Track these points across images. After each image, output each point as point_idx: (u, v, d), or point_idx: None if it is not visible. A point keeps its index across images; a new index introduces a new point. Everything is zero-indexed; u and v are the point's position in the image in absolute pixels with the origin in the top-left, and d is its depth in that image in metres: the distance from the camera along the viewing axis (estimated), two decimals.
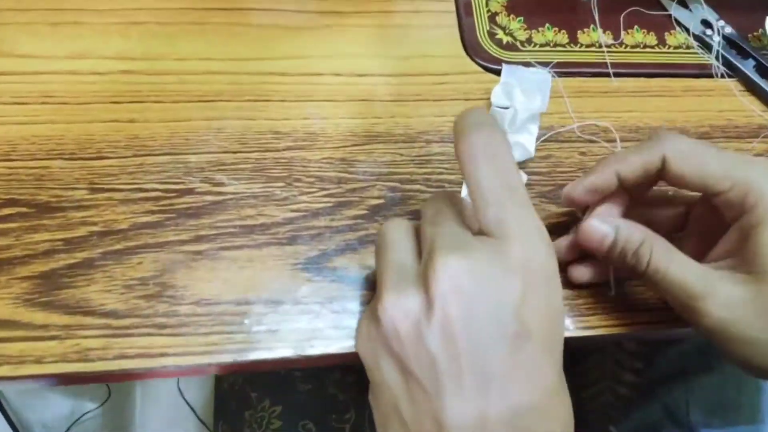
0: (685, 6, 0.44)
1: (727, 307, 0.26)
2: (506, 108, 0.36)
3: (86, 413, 0.94)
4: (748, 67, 0.41)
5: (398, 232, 0.28)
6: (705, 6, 0.43)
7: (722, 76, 0.41)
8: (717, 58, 0.41)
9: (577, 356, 0.67)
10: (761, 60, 0.41)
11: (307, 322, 0.32)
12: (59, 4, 0.39)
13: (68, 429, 0.94)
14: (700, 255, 0.30)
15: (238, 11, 0.40)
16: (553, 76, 0.39)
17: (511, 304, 0.23)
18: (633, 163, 0.29)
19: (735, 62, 0.41)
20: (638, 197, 0.32)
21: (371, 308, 0.26)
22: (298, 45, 0.39)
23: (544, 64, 0.40)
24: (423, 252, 0.26)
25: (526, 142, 0.36)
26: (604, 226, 0.30)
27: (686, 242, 0.32)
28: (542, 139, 0.38)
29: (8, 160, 0.34)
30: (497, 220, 0.24)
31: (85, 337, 0.31)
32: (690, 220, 0.32)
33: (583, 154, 0.38)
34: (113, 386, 0.95)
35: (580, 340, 0.33)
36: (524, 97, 0.35)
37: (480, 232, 0.25)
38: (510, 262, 0.23)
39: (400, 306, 0.24)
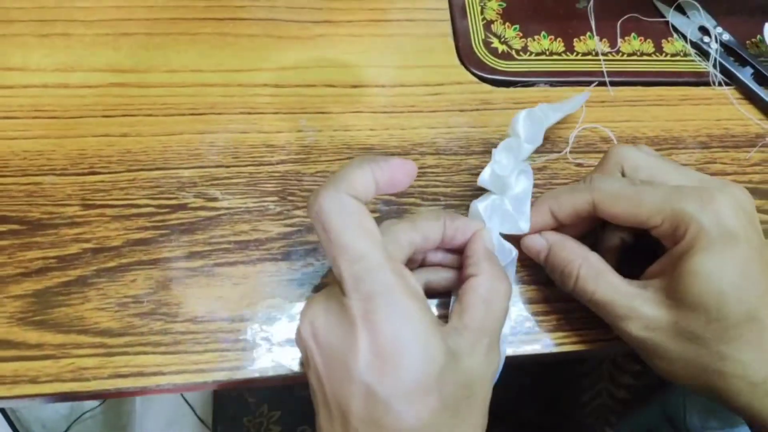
0: (683, 12, 0.43)
1: (648, 329, 0.28)
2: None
3: (86, 412, 0.94)
4: (745, 75, 0.41)
5: None
6: (702, 12, 0.43)
7: (720, 84, 0.41)
8: (714, 65, 0.41)
9: (574, 359, 0.67)
10: (759, 68, 0.41)
11: None
12: (47, 15, 0.38)
13: (68, 428, 0.94)
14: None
15: (229, 21, 0.39)
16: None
17: (357, 357, 0.24)
18: (564, 204, 0.30)
19: (732, 70, 0.41)
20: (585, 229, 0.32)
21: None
22: (290, 55, 0.39)
23: (539, 74, 0.40)
24: None
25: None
26: (540, 241, 0.32)
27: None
28: (541, 160, 0.37)
29: None
30: (338, 277, 0.25)
31: (80, 356, 0.31)
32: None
33: (579, 165, 0.38)
34: None
35: (577, 353, 0.33)
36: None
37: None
38: (349, 316, 0.24)
39: (297, 332, 0.28)
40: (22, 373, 0.30)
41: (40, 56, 0.37)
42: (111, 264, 0.32)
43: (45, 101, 0.36)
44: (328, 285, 0.27)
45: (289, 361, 0.31)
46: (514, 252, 0.31)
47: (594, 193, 0.29)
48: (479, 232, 0.30)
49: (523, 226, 0.31)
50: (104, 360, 0.31)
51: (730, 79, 0.41)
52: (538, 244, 0.31)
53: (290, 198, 0.35)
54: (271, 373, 0.31)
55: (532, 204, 0.32)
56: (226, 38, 0.39)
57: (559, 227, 0.32)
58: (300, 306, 0.32)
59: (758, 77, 0.41)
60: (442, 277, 0.31)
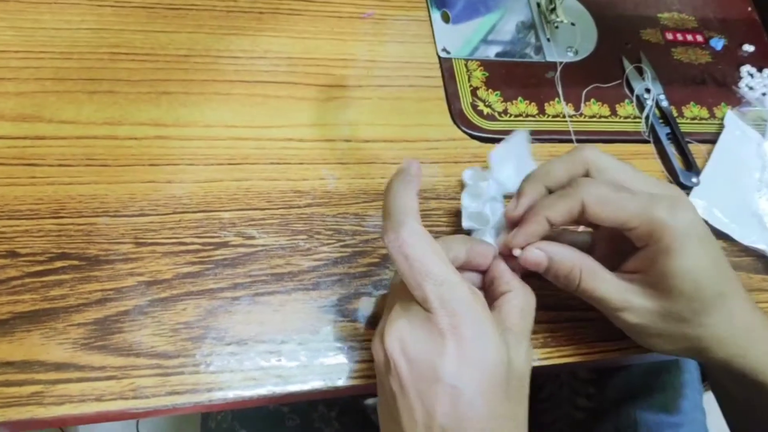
0: (640, 73, 0.53)
1: (641, 316, 0.35)
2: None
3: None
4: (662, 134, 0.50)
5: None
6: (651, 78, 0.52)
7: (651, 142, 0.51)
8: (647, 122, 0.50)
9: (536, 385, 0.73)
10: (675, 129, 0.50)
11: (333, 358, 0.37)
12: (95, 75, 0.43)
13: None
14: (608, 261, 0.36)
15: (257, 83, 0.45)
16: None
17: (446, 362, 0.29)
18: (559, 210, 0.35)
19: (656, 128, 0.50)
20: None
21: (380, 327, 0.33)
22: (312, 114, 0.45)
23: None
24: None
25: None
26: (539, 253, 0.36)
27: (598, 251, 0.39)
28: None
29: (57, 217, 0.38)
30: (422, 299, 0.30)
31: (140, 376, 0.34)
32: (596, 239, 0.39)
33: None
34: None
35: (548, 368, 0.40)
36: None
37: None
38: (437, 329, 0.30)
39: (375, 348, 0.32)
40: (89, 392, 0.34)
41: (90, 111, 0.41)
42: (163, 294, 0.37)
43: (96, 151, 0.40)
44: (403, 306, 0.31)
45: (323, 376, 0.36)
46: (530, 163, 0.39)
47: (584, 197, 0.34)
48: (498, 257, 0.36)
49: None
50: (162, 379, 0.35)
51: (655, 136, 0.51)
52: (538, 256, 0.35)
53: (317, 236, 0.40)
54: (307, 388, 0.36)
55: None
56: (255, 98, 0.44)
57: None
58: (329, 329, 0.38)
59: (673, 137, 0.50)
60: None
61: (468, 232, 0.40)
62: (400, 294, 0.32)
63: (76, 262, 0.37)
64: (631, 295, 0.34)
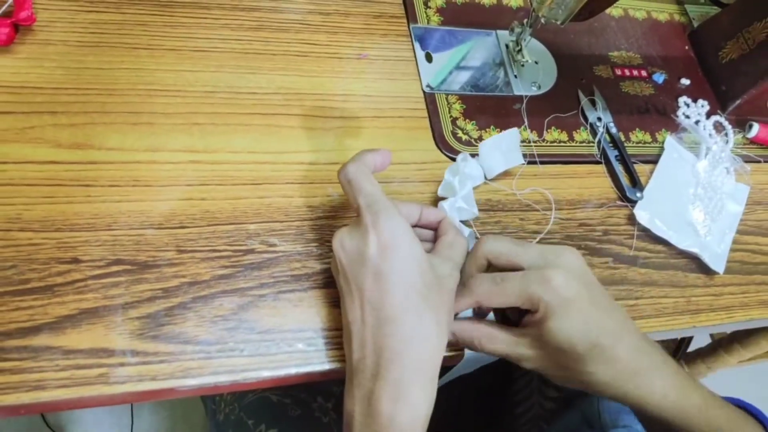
0: (593, 104, 0.62)
1: (535, 363, 0.43)
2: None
3: None
4: (611, 156, 0.60)
5: None
6: (601, 107, 0.62)
7: (603, 163, 0.60)
8: (599, 146, 0.60)
9: (509, 379, 0.82)
10: (623, 152, 0.60)
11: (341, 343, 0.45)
12: (135, 108, 0.50)
13: None
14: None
15: (272, 115, 0.53)
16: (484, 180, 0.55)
17: (370, 248, 0.39)
18: (461, 305, 0.44)
19: (607, 150, 0.60)
20: None
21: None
22: (318, 141, 0.53)
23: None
24: None
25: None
26: (451, 334, 0.44)
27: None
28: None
29: (111, 230, 0.45)
30: (357, 208, 0.42)
31: (186, 359, 0.42)
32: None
33: (522, 219, 0.54)
34: None
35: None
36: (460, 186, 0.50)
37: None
38: (363, 227, 0.40)
39: (332, 262, 0.44)
40: (146, 373, 0.41)
41: (133, 139, 0.49)
42: (203, 293, 0.44)
43: (140, 173, 0.48)
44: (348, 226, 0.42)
45: (338, 359, 0.44)
46: (467, 231, 0.49)
47: (474, 297, 0.43)
48: (445, 218, 0.48)
49: (475, 211, 0.50)
50: (204, 362, 0.42)
51: (606, 158, 0.60)
52: (451, 336, 0.44)
53: (327, 243, 0.48)
54: (324, 368, 0.44)
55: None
56: (270, 128, 0.52)
57: None
58: (336, 320, 0.45)
59: (621, 159, 0.60)
60: None
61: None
62: None
63: (128, 267, 0.44)
64: (523, 348, 0.42)
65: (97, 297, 0.43)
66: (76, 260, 0.43)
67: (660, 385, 0.43)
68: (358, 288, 0.40)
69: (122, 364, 0.41)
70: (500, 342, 0.43)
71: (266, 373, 0.43)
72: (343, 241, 0.41)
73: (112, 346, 0.41)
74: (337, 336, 0.45)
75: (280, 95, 0.54)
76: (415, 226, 0.47)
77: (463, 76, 0.61)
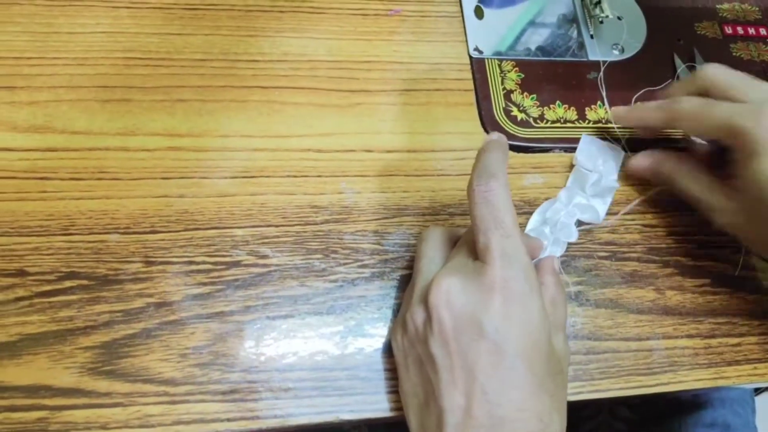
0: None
1: (727, 216, 0.38)
2: (589, 171, 0.42)
3: None
4: None
5: (432, 245, 0.35)
6: None
7: None
8: None
9: None
10: None
11: (348, 388, 0.35)
12: (107, 81, 0.41)
13: None
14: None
15: (275, 89, 0.43)
16: (625, 152, 0.44)
17: (491, 316, 0.29)
18: (652, 118, 0.41)
19: None
20: None
21: (401, 315, 0.34)
22: (331, 123, 0.42)
23: (554, 140, 0.44)
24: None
25: (599, 208, 0.41)
26: (646, 159, 0.42)
27: None
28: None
29: (67, 234, 0.37)
30: (484, 247, 0.30)
31: (146, 404, 0.33)
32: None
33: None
34: None
35: (592, 401, 0.37)
36: (604, 168, 0.42)
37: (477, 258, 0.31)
38: (488, 281, 0.30)
39: (413, 317, 0.32)
40: (94, 420, 0.33)
41: (102, 120, 0.40)
42: (172, 317, 0.35)
43: (108, 163, 0.39)
44: (454, 264, 0.32)
45: (336, 408, 0.34)
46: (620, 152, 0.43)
47: (676, 115, 0.39)
48: (547, 257, 0.38)
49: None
50: (168, 407, 0.34)
51: None
52: (645, 161, 0.42)
53: (333, 255, 0.38)
54: (318, 420, 0.34)
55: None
56: (272, 105, 0.42)
57: None
58: (346, 357, 0.36)
59: None
60: None
61: None
62: (453, 254, 0.34)
63: (84, 282, 0.36)
64: (720, 196, 0.38)
65: (44, 320, 0.35)
66: (21, 272, 0.35)
67: None
68: (467, 368, 0.29)
69: (66, 407, 0.33)
70: (700, 182, 0.39)
71: (239, 426, 0.34)
72: (451, 293, 0.30)
73: (57, 383, 0.33)
74: (341, 378, 0.35)
75: (286, 63, 0.44)
76: None
77: (524, 37, 0.49)
